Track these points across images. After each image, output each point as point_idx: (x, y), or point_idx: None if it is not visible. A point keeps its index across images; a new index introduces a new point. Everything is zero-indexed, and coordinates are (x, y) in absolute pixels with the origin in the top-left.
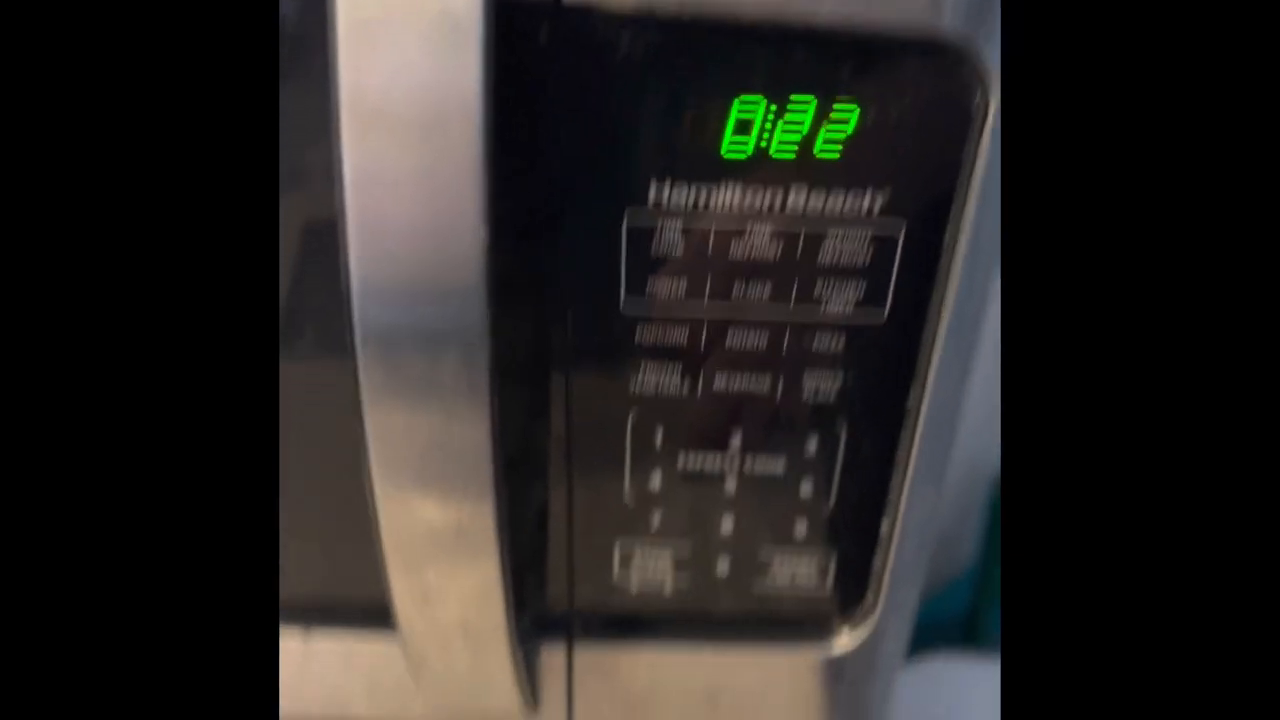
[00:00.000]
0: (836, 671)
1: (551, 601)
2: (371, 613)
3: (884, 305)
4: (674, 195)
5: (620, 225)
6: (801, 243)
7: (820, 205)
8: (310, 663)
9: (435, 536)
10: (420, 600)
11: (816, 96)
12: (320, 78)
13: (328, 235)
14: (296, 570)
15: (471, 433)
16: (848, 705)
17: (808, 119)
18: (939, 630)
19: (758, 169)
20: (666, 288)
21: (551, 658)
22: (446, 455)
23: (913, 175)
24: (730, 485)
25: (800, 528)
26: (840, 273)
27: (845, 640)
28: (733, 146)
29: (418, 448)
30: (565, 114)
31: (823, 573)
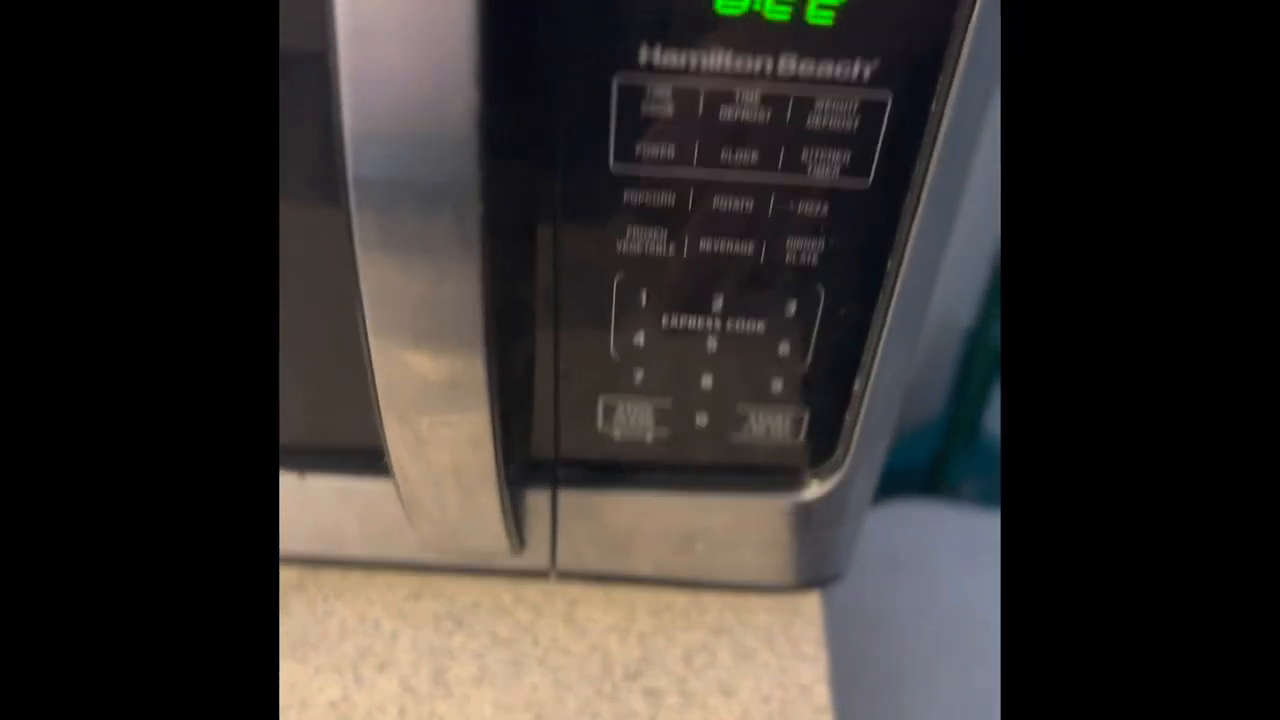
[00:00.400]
0: (805, 516)
1: (537, 449)
2: (364, 457)
3: (869, 172)
4: (665, 55)
5: (611, 84)
6: (790, 107)
7: (810, 70)
8: (305, 504)
9: (428, 389)
10: (414, 448)
11: None
12: None
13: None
14: (293, 416)
15: (464, 289)
16: (815, 546)
17: None
18: (905, 476)
19: (750, 30)
20: (655, 149)
21: (537, 501)
22: (439, 310)
23: (904, 44)
24: (711, 343)
25: (777, 385)
26: (827, 138)
27: (815, 490)
28: (725, 8)
29: (411, 303)
30: None
31: (796, 427)
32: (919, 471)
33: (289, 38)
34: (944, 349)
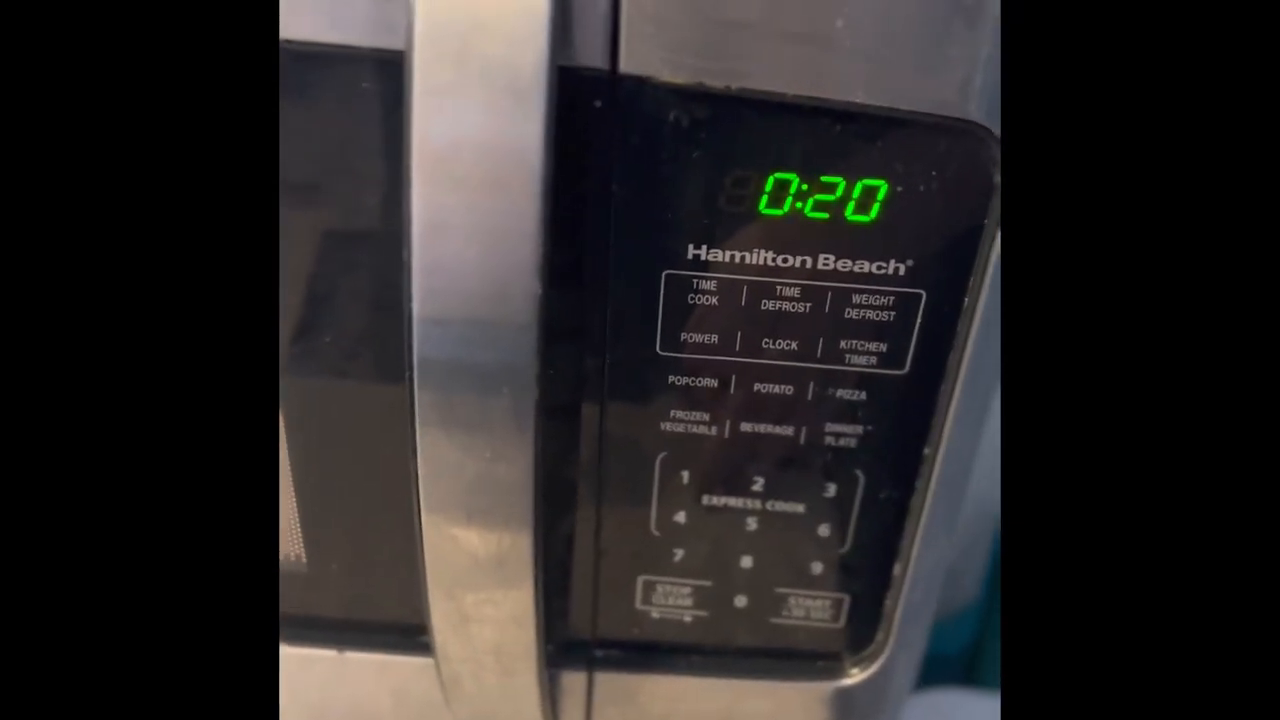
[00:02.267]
0: (846, 704)
1: (574, 628)
2: (404, 633)
3: (904, 361)
4: (711, 252)
5: (659, 277)
6: (829, 300)
7: (848, 266)
8: (342, 681)
9: (476, 565)
10: (457, 625)
11: (849, 170)
12: (395, 136)
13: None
14: (336, 591)
15: (517, 468)
16: None
17: (839, 189)
18: (941, 663)
19: (791, 229)
20: (700, 335)
21: (572, 683)
22: (492, 489)
23: (936, 242)
24: (751, 523)
25: (816, 567)
26: (864, 329)
27: (856, 676)
28: (769, 210)
29: (465, 480)
30: (615, 173)
31: (836, 611)
32: (956, 659)
33: (362, 221)
34: (978, 534)
